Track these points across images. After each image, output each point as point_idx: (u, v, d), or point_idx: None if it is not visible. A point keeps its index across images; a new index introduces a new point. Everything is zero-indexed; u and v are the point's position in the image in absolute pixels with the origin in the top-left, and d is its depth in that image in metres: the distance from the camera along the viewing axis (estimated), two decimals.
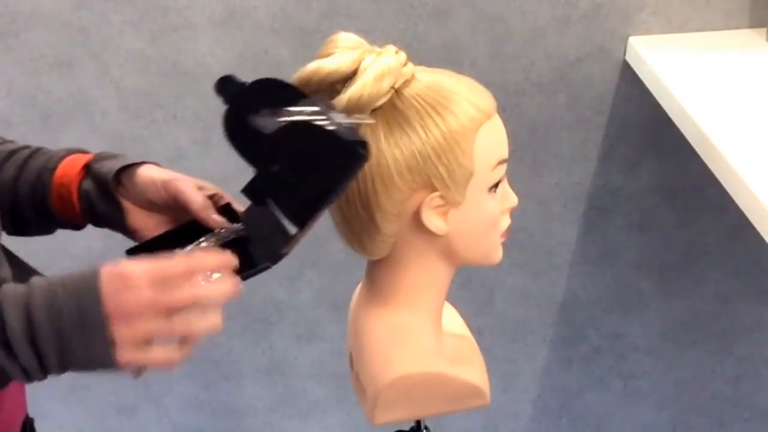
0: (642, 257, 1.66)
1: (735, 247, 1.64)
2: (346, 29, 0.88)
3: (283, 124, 0.75)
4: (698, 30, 1.46)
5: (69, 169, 0.92)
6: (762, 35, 1.43)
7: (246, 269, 0.81)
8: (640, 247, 1.65)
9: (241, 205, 0.90)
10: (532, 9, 1.44)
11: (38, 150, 0.96)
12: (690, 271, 1.68)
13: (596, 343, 1.76)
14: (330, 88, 0.83)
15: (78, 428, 1.87)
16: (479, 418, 1.85)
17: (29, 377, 0.74)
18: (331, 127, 0.76)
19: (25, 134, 1.53)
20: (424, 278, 0.90)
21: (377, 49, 0.85)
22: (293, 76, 0.85)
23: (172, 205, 0.89)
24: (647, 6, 1.43)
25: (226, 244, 0.87)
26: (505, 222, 0.91)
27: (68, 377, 1.70)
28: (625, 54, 1.47)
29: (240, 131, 0.81)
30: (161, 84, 1.52)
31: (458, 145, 0.83)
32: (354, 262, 0.94)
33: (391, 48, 0.85)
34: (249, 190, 0.82)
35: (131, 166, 0.91)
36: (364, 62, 0.83)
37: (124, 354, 0.71)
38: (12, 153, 0.95)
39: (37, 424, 0.99)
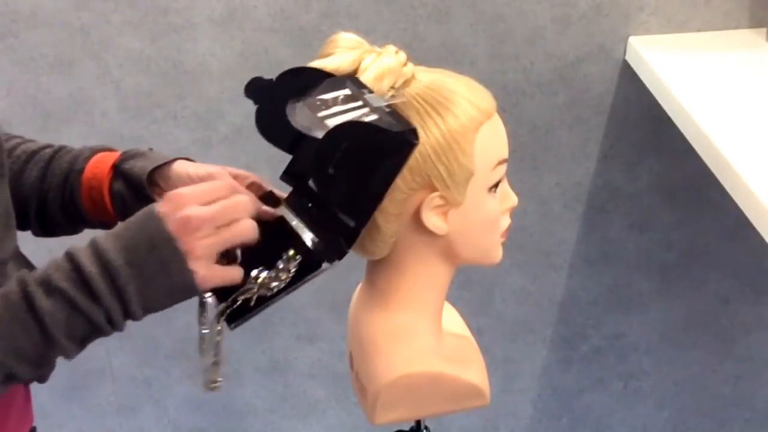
0: (642, 257, 1.66)
1: (735, 247, 1.64)
2: (346, 29, 0.88)
3: (329, 129, 0.75)
4: (698, 30, 1.46)
5: (97, 170, 0.91)
6: (762, 35, 1.43)
7: (306, 266, 0.83)
8: (640, 247, 1.65)
9: (279, 190, 0.90)
10: (532, 9, 1.44)
11: (60, 149, 0.95)
12: (690, 271, 1.68)
13: (596, 343, 1.76)
14: None
15: (78, 428, 1.87)
16: (479, 418, 1.85)
17: (112, 323, 0.75)
18: (376, 120, 0.76)
19: (24, 134, 1.53)
20: (424, 278, 0.90)
21: (377, 49, 0.85)
22: None
23: None
24: (647, 6, 1.44)
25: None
26: (505, 222, 0.91)
27: (68, 377, 1.70)
28: (625, 54, 1.47)
29: (274, 126, 0.82)
30: (161, 84, 1.52)
31: (458, 145, 0.83)
32: (354, 262, 0.94)
33: (391, 48, 0.85)
34: (289, 176, 0.84)
35: (163, 165, 0.91)
36: (364, 62, 0.83)
37: (199, 268, 0.75)
38: (34, 153, 0.94)
39: (37, 424, 0.99)
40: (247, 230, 0.78)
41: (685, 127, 1.21)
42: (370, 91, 0.81)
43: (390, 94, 0.82)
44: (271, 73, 0.81)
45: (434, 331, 0.93)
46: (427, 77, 0.85)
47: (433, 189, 0.84)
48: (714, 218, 1.61)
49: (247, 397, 1.83)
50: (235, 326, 0.83)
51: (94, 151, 0.94)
